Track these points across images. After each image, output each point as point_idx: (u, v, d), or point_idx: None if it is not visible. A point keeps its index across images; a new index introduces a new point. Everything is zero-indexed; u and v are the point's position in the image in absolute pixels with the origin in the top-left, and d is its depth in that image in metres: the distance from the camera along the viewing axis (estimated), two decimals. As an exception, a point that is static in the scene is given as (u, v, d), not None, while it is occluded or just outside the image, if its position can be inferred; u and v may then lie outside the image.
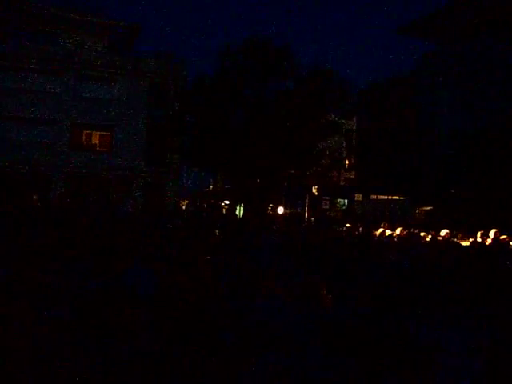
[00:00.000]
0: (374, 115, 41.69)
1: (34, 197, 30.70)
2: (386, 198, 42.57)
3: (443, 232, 14.23)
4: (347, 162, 45.65)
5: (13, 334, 4.39)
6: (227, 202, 44.62)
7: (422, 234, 15.28)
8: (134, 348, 4.68)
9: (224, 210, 43.41)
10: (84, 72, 34.67)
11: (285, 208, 38.27)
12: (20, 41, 33.92)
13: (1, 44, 33.32)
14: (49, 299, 5.34)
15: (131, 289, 5.79)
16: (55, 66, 34.02)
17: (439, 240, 13.66)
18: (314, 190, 42.47)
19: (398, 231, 16.07)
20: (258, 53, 29.93)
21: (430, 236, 14.47)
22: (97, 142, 36.42)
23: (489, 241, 12.97)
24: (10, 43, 33.59)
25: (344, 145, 38.61)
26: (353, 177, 47.36)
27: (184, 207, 44.39)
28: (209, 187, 52.89)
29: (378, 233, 16.33)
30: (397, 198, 40.89)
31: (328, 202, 46.20)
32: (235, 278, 6.68)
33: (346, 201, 48.99)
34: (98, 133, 36.22)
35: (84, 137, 36.19)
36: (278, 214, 36.44)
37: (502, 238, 13.00)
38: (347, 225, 24.38)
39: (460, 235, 14.60)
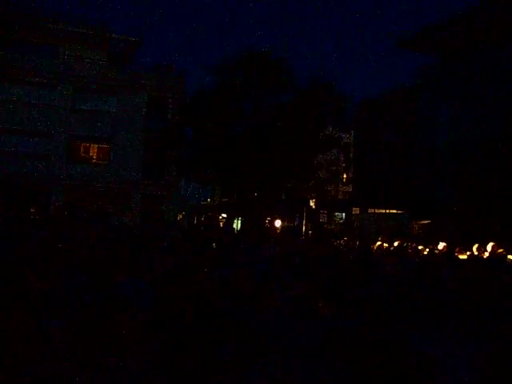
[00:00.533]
0: (371, 128, 41.81)
1: (32, 209, 30.72)
2: (383, 211, 42.58)
3: (441, 245, 14.24)
4: (345, 175, 45.77)
5: (11, 345, 4.38)
6: (224, 215, 44.65)
7: (420, 247, 15.29)
8: (132, 360, 4.67)
9: (221, 223, 43.41)
10: (82, 85, 34.70)
11: (282, 221, 38.31)
12: (18, 53, 33.96)
13: (-1, 56, 33.41)
14: (46, 310, 5.33)
15: (128, 301, 5.78)
16: (53, 78, 34.10)
17: (437, 253, 13.67)
18: (311, 204, 42.53)
19: (395, 244, 16.08)
20: (256, 66, 30.05)
21: (427, 249, 14.48)
22: (95, 154, 36.41)
23: (486, 254, 12.96)
24: (8, 56, 33.66)
25: (342, 158, 38.74)
26: (350, 190, 47.44)
27: (179, 219, 44.34)
28: (206, 200, 52.94)
29: (375, 246, 16.33)
30: (394, 211, 40.90)
31: (325, 216, 46.21)
32: (234, 290, 6.67)
33: (343, 214, 49.04)
34: (96, 145, 36.21)
35: (82, 149, 36.17)
36: (275, 227, 36.46)
37: (499, 251, 13.00)
38: (345, 238, 24.41)
39: (458, 249, 14.58)
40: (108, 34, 36.22)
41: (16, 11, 34.44)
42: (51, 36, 35.20)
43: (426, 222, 36.82)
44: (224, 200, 41.40)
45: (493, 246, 13.09)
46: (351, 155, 43.20)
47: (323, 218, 46.02)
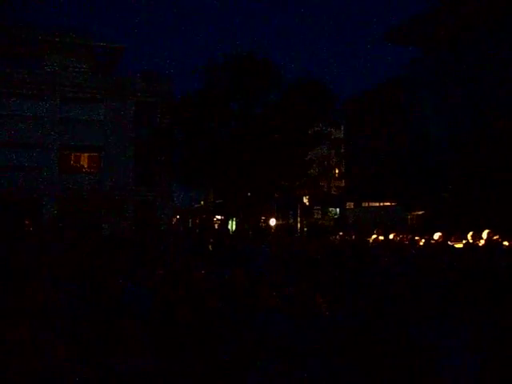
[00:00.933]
0: (361, 123, 41.88)
1: (26, 221, 30.59)
2: (377, 204, 42.66)
3: (436, 235, 14.25)
4: (337, 170, 45.84)
5: (12, 353, 4.35)
6: (219, 217, 44.63)
7: (416, 238, 15.30)
8: (133, 365, 4.65)
9: (216, 225, 43.40)
10: (69, 94, 34.58)
11: (277, 219, 38.33)
12: (3, 67, 33.80)
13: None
14: (45, 318, 5.30)
15: (126, 307, 5.76)
16: (40, 89, 33.96)
17: (433, 243, 13.68)
18: (305, 201, 42.59)
19: (391, 236, 16.10)
20: (243, 67, 30.02)
21: (423, 240, 14.48)
22: (86, 163, 36.38)
23: (482, 242, 12.98)
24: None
25: (333, 154, 38.83)
26: (343, 185, 47.49)
27: (174, 223, 44.30)
28: (200, 203, 52.89)
29: (371, 239, 16.35)
30: (388, 204, 40.98)
31: (320, 212, 46.28)
32: (230, 290, 6.65)
33: (337, 209, 49.12)
34: (87, 154, 36.19)
35: (72, 159, 36.13)
36: (270, 225, 36.48)
37: (494, 238, 13.03)
38: (340, 233, 24.44)
39: (453, 238, 14.61)
40: (92, 43, 36.19)
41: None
42: (35, 47, 35.10)
43: (420, 212, 36.93)
44: (217, 202, 41.38)
45: (488, 233, 13.11)
46: (342, 150, 43.24)
47: (317, 214, 46.10)
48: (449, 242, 13.77)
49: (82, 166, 36.28)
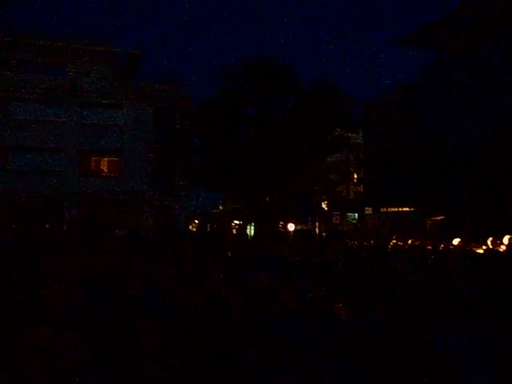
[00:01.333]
0: (379, 127, 41.68)
1: (47, 225, 30.92)
2: (396, 210, 42.39)
3: (456, 241, 14.14)
4: (356, 175, 45.66)
5: (29, 353, 4.37)
6: (237, 222, 44.66)
7: (435, 243, 15.18)
8: (151, 367, 4.64)
9: (234, 229, 43.41)
10: (89, 99, 35.02)
11: (295, 225, 38.23)
12: (25, 73, 34.36)
13: (7, 76, 33.85)
14: (64, 320, 5.32)
15: (145, 309, 5.76)
16: (60, 95, 34.40)
17: (452, 248, 13.56)
18: (323, 206, 42.45)
19: (410, 242, 16.00)
20: (259, 71, 30.06)
21: (442, 245, 14.37)
22: (105, 167, 36.69)
23: (503, 247, 12.84)
24: (15, 76, 34.05)
25: (351, 158, 38.69)
26: (362, 190, 47.28)
27: (194, 228, 44.41)
28: (218, 208, 52.99)
29: (390, 244, 16.26)
30: (407, 209, 40.71)
31: (338, 217, 46.10)
32: (250, 295, 6.63)
33: (356, 215, 48.91)
34: (106, 159, 36.52)
35: (92, 163, 36.46)
36: (288, 230, 36.39)
37: (515, 243, 12.88)
38: (359, 238, 24.30)
39: (473, 243, 14.46)
40: (112, 48, 36.57)
41: (19, 32, 34.95)
42: (56, 54, 35.62)
43: (439, 218, 36.64)
44: (235, 206, 41.42)
45: (509, 239, 12.96)
46: (361, 155, 43.04)
47: (336, 220, 45.92)
48: (469, 248, 13.64)
49: (102, 170, 36.60)
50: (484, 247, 13.68)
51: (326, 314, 5.82)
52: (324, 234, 36.62)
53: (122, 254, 11.68)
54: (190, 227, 41.62)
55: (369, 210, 47.15)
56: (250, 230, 38.54)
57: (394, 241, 17.02)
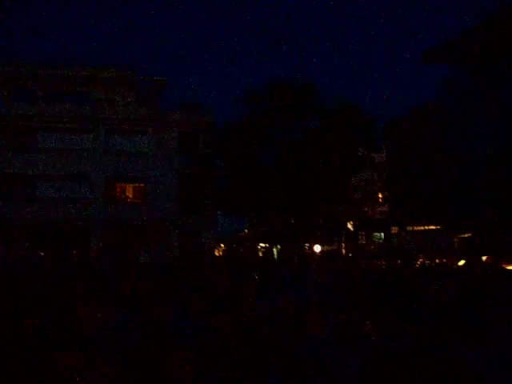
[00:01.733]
0: (403, 146, 41.52)
1: (74, 251, 31.25)
2: (422, 228, 42.01)
3: (484, 258, 14.05)
4: (380, 194, 45.43)
5: (67, 376, 4.46)
6: (263, 244, 44.57)
7: (462, 261, 15.08)
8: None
9: (260, 252, 43.34)
10: (114, 126, 35.40)
11: (321, 245, 38.05)
12: (51, 103, 34.98)
13: (34, 107, 34.51)
14: (99, 344, 5.41)
15: (176, 333, 5.83)
16: (86, 123, 34.90)
17: (481, 266, 13.47)
18: (349, 226, 42.24)
19: (437, 261, 15.90)
20: (283, 94, 30.21)
21: (470, 263, 14.26)
22: (131, 193, 36.94)
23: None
24: (41, 107, 34.69)
25: (376, 178, 38.49)
26: (387, 210, 46.94)
27: (221, 253, 44.45)
28: (244, 231, 52.93)
29: (417, 263, 16.19)
30: (433, 227, 40.32)
31: (364, 237, 45.81)
32: (279, 319, 6.67)
33: (382, 234, 48.52)
34: (131, 185, 36.77)
35: (118, 190, 36.71)
36: (315, 252, 36.24)
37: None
38: (386, 258, 24.16)
39: (502, 260, 14.33)
40: (136, 76, 37.07)
41: (45, 63, 35.74)
42: (81, 83, 36.25)
43: (467, 235, 36.25)
44: (261, 229, 41.38)
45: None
46: (385, 174, 42.83)
47: (362, 239, 45.65)
48: (500, 265, 13.54)
49: (127, 197, 36.82)
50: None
51: (356, 335, 5.84)
52: (351, 254, 36.45)
53: (150, 281, 11.79)
54: (216, 252, 41.67)
55: (395, 229, 46.77)
56: (276, 253, 38.47)
57: (422, 259, 16.92)
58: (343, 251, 39.35)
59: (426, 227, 41.31)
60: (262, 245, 45.16)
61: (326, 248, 40.74)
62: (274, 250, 38.80)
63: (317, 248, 36.96)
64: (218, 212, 38.76)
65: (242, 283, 12.29)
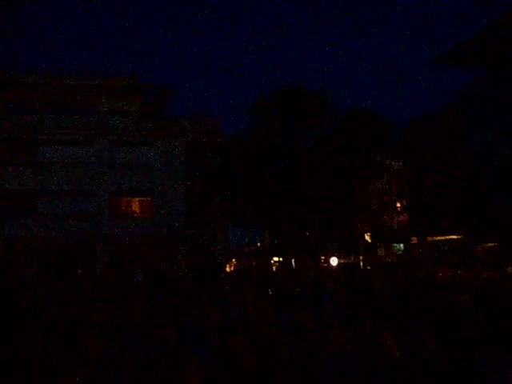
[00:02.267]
0: (422, 152, 41.37)
1: (79, 270, 31.27)
2: (443, 238, 41.78)
3: (509, 268, 13.95)
4: (399, 204, 45.24)
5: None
6: (276, 258, 44.51)
7: (488, 272, 14.98)
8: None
9: (274, 266, 43.26)
10: (118, 138, 35.46)
11: (338, 258, 37.90)
12: (52, 115, 35.11)
13: (34, 119, 34.65)
14: (106, 368, 5.38)
15: (188, 352, 5.79)
16: (89, 135, 35.01)
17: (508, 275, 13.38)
18: (366, 237, 42.08)
19: (459, 272, 15.81)
20: (292, 102, 30.21)
21: (495, 273, 14.17)
22: (137, 207, 37.01)
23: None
24: (43, 119, 34.81)
25: (394, 186, 38.40)
26: (406, 219, 46.73)
27: (232, 268, 44.38)
28: (256, 245, 52.87)
29: (439, 275, 16.08)
30: (455, 237, 40.08)
31: (383, 248, 45.62)
32: (297, 335, 6.63)
33: (401, 245, 48.29)
34: (138, 198, 36.82)
35: (124, 204, 36.78)
36: (331, 265, 36.09)
37: None
38: (406, 270, 24.02)
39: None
40: (139, 84, 37.14)
41: (44, 75, 35.85)
42: (83, 94, 36.32)
43: (490, 244, 36.01)
44: (275, 242, 41.32)
45: None
46: (403, 182, 42.66)
47: (381, 251, 45.47)
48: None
49: (134, 211, 36.89)
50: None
51: (377, 350, 5.78)
52: (369, 267, 36.28)
53: (157, 299, 11.77)
54: (228, 267, 41.61)
55: (414, 240, 46.55)
56: (291, 266, 38.36)
57: (444, 271, 16.82)
58: (361, 264, 39.17)
59: (447, 237, 41.11)
60: (275, 259, 45.09)
61: (343, 261, 40.59)
62: (289, 263, 38.69)
63: (333, 261, 36.81)
64: (229, 225, 38.74)
65: (256, 300, 12.23)
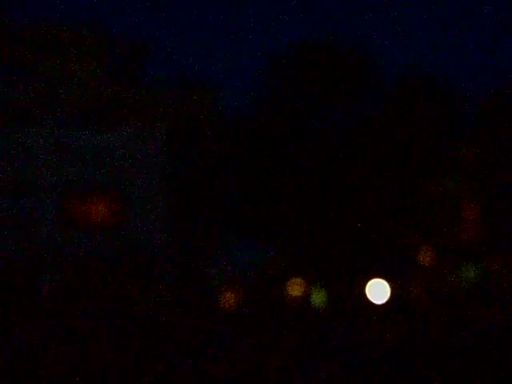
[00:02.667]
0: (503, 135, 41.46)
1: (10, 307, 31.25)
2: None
3: None
4: (473, 211, 45.33)
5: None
6: (298, 281, 44.73)
7: None
8: None
9: (292, 294, 43.48)
10: (71, 115, 35.17)
11: (385, 280, 38.09)
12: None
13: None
14: None
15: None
16: (30, 110, 34.76)
17: None
18: (425, 254, 42.32)
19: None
20: (319, 63, 29.99)
21: None
22: (98, 214, 36.52)
23: None
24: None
25: (466, 185, 38.52)
26: (483, 230, 46.86)
27: (232, 299, 44.58)
28: (266, 262, 53.03)
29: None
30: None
31: (448, 271, 45.81)
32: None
33: (476, 266, 48.44)
34: (100, 202, 36.44)
35: (79, 208, 36.33)
36: (373, 292, 36.26)
37: None
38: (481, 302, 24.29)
39: None
40: (107, 42, 36.77)
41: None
42: (24, 49, 36.01)
43: None
44: (296, 261, 41.58)
45: None
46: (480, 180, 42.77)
47: (445, 275, 45.71)
48: None
49: (94, 218, 36.52)
50: None
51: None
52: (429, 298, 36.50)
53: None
54: (228, 295, 41.84)
55: (495, 258, 46.67)
56: (316, 294, 38.58)
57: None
58: (416, 291, 39.42)
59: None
60: (297, 282, 45.29)
61: (391, 285, 40.79)
62: (314, 291, 38.92)
63: (377, 286, 36.99)
64: (227, 239, 38.83)
65: (268, 349, 12.66)
